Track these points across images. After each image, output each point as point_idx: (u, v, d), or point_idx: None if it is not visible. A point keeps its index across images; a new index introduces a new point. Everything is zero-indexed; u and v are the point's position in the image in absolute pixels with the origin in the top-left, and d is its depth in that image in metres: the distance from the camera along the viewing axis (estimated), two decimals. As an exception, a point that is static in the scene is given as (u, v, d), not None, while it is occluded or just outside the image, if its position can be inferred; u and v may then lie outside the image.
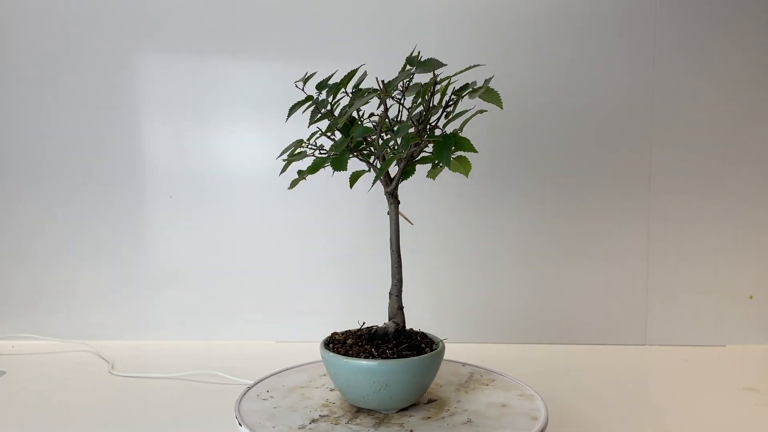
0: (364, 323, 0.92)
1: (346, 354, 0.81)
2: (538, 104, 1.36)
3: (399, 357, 0.80)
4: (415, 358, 0.79)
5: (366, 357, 0.79)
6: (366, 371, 0.78)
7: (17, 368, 1.24)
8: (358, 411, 0.82)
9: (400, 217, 0.88)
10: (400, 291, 0.87)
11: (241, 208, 1.40)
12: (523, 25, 1.35)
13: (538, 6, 1.35)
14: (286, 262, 1.41)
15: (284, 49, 1.37)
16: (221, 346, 1.38)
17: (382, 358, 0.79)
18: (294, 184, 0.87)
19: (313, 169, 0.84)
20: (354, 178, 0.90)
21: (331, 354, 0.81)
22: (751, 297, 1.40)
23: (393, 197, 0.86)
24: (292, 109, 0.84)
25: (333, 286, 1.41)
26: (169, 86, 1.38)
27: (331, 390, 0.89)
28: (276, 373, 0.95)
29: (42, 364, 1.27)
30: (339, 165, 0.80)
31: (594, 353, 1.35)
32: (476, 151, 0.75)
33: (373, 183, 0.87)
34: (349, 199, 1.37)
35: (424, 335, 0.89)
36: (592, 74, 1.36)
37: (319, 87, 0.85)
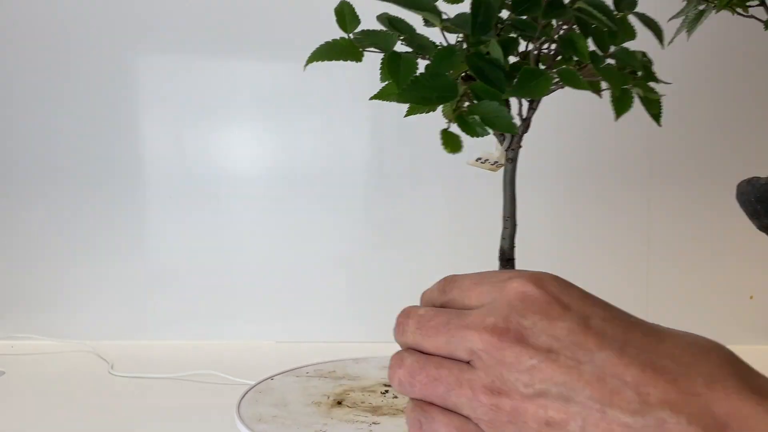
0: None
1: None
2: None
3: None
4: None
5: None
6: None
7: (17, 368, 1.24)
8: (367, 411, 0.82)
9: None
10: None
11: (241, 207, 1.40)
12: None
13: (538, 6, 1.35)
14: (287, 261, 1.41)
15: (285, 49, 1.36)
16: (221, 346, 1.38)
17: None
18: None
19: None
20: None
21: None
22: (751, 297, 1.40)
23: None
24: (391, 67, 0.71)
25: (334, 286, 1.41)
26: (169, 86, 1.38)
27: (334, 390, 0.89)
28: (276, 374, 0.95)
29: (42, 364, 1.27)
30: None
31: (594, 353, 1.35)
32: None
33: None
34: (350, 197, 1.37)
35: None
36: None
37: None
